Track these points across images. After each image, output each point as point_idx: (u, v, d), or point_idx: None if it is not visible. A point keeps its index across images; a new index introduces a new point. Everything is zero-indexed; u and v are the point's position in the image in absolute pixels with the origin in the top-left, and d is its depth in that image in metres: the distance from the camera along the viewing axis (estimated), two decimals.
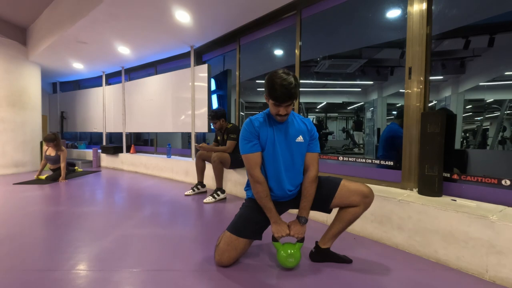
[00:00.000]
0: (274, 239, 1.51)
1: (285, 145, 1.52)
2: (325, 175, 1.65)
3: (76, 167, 5.27)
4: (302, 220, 1.50)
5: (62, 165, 4.21)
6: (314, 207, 1.59)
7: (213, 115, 3.13)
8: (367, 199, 1.49)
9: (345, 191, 1.51)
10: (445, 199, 1.80)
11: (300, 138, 1.52)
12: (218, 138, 3.30)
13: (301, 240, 1.52)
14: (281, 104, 1.40)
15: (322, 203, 1.56)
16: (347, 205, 1.52)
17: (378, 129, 7.61)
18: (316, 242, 1.63)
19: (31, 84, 5.30)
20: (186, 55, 4.46)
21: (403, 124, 2.14)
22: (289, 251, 1.47)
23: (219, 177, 3.03)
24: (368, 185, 2.21)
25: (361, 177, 2.42)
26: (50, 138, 4.16)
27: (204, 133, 4.71)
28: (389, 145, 2.64)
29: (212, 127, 3.27)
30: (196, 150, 4.15)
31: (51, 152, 4.23)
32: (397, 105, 8.00)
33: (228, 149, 3.03)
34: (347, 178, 2.46)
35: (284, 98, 1.37)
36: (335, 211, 1.61)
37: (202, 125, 4.09)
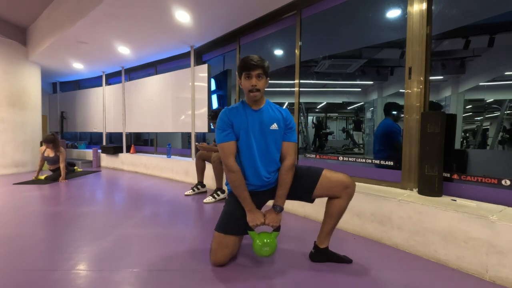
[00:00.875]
0: (250, 228, 1.51)
1: (259, 132, 1.52)
2: (307, 166, 1.64)
3: (76, 167, 5.27)
4: (277, 208, 1.50)
5: (62, 165, 4.20)
6: (297, 197, 1.60)
7: (213, 115, 3.15)
8: (348, 190, 1.49)
9: (326, 182, 1.51)
10: (445, 199, 1.80)
11: (274, 126, 1.53)
12: None
13: (277, 229, 1.53)
14: (251, 73, 1.45)
15: (304, 193, 1.57)
16: (330, 195, 1.53)
17: None
18: (315, 242, 1.63)
19: (31, 84, 5.30)
20: (186, 55, 4.46)
21: (404, 124, 2.14)
22: (264, 240, 1.47)
23: (219, 177, 3.03)
24: (368, 184, 2.22)
25: (361, 177, 2.42)
26: (49, 139, 4.15)
27: (204, 133, 4.72)
28: (385, 140, 2.66)
29: (212, 127, 3.28)
30: (197, 150, 4.15)
31: (49, 153, 4.22)
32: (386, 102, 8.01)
33: None
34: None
35: (253, 63, 1.43)
36: (323, 204, 1.60)
37: (202, 125, 4.09)
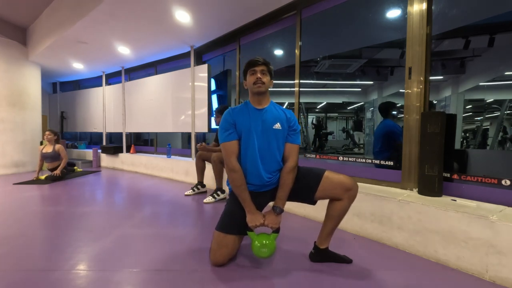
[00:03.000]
0: (249, 229, 1.51)
1: (261, 131, 1.52)
2: (308, 167, 1.64)
3: (75, 167, 5.27)
4: (277, 210, 1.50)
5: (64, 159, 4.30)
6: (299, 199, 1.60)
7: (219, 110, 3.21)
8: (350, 192, 1.48)
9: (328, 184, 1.51)
10: (445, 199, 1.80)
11: (277, 125, 1.53)
12: None
13: (277, 230, 1.52)
14: (256, 69, 1.50)
15: (306, 195, 1.56)
16: (331, 197, 1.52)
17: None
18: (315, 243, 1.63)
19: (31, 84, 5.30)
20: (186, 55, 4.46)
21: (404, 124, 2.14)
22: (263, 241, 1.47)
23: (219, 177, 3.03)
24: (368, 185, 2.22)
25: (361, 177, 2.42)
26: (55, 131, 4.35)
27: (204, 133, 4.71)
28: (386, 141, 2.65)
29: (216, 124, 3.33)
30: (197, 150, 4.15)
31: (48, 149, 4.24)
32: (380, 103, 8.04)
33: None
34: None
35: (258, 60, 1.50)
36: (324, 205, 1.60)
37: (202, 125, 4.09)
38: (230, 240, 1.52)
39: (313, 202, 1.58)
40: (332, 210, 1.53)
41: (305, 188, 1.55)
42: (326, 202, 1.58)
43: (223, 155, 1.54)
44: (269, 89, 1.57)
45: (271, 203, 1.62)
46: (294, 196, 1.57)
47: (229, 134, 1.52)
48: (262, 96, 1.54)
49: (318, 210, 2.24)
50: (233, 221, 1.55)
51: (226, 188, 3.35)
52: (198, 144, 3.21)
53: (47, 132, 4.29)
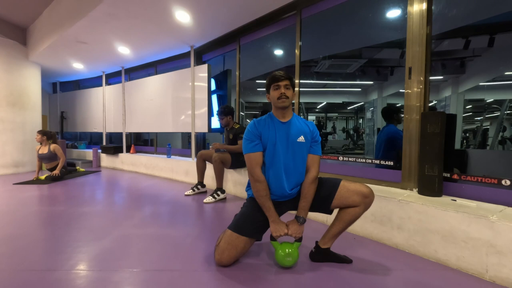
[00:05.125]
0: (272, 238, 1.53)
1: (286, 144, 1.54)
2: (325, 176, 1.66)
3: (78, 167, 5.27)
4: (300, 220, 1.51)
5: (62, 159, 4.28)
6: (315, 208, 1.60)
7: (221, 111, 3.19)
8: (367, 199, 1.49)
9: (345, 192, 1.52)
10: (445, 199, 1.80)
11: (301, 138, 1.55)
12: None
13: (299, 239, 1.53)
14: (280, 83, 1.52)
15: (323, 204, 1.57)
16: (348, 205, 1.52)
17: (378, 129, 7.61)
18: (316, 242, 1.63)
19: (31, 84, 5.30)
20: (186, 55, 4.46)
21: (404, 124, 2.14)
22: (287, 250, 1.48)
23: (219, 177, 3.03)
24: (368, 185, 2.22)
25: (361, 177, 2.42)
26: (43, 131, 4.30)
27: (204, 133, 4.71)
28: (389, 146, 2.62)
29: (220, 124, 3.33)
30: (197, 150, 4.16)
31: (43, 149, 4.24)
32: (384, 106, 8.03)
33: (240, 148, 3.02)
34: (347, 178, 2.47)
35: (281, 75, 1.52)
36: (335, 211, 1.61)
37: (202, 125, 4.09)
38: (241, 242, 1.52)
39: (329, 211, 1.59)
40: (344, 215, 1.53)
41: (323, 198, 1.56)
42: None
43: (247, 165, 1.56)
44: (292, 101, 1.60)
45: (290, 212, 1.62)
46: (312, 206, 1.58)
47: (255, 145, 1.53)
48: (286, 109, 1.56)
49: None
50: (249, 224, 1.55)
51: (226, 188, 3.35)
52: (211, 146, 3.21)
53: (36, 134, 4.29)
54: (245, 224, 1.55)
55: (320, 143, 1.64)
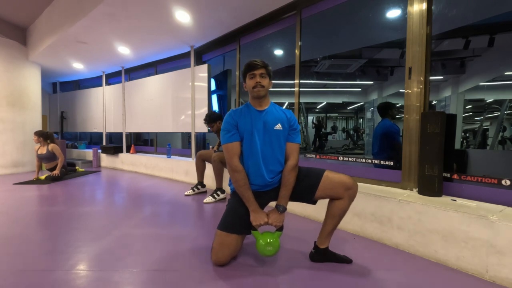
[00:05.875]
0: (253, 228, 1.52)
1: (263, 132, 1.54)
2: (308, 167, 1.65)
3: (77, 167, 5.27)
4: (280, 208, 1.51)
5: (61, 158, 4.26)
6: (299, 198, 1.60)
7: (208, 120, 3.15)
8: (350, 191, 1.49)
9: (328, 183, 1.52)
10: (445, 199, 1.80)
11: (278, 126, 1.55)
12: None
13: (280, 229, 1.54)
14: (255, 72, 1.51)
15: (307, 194, 1.57)
16: (332, 196, 1.53)
17: None
18: (315, 242, 1.63)
19: (31, 84, 5.30)
20: (186, 55, 4.46)
21: (404, 124, 2.14)
22: (268, 239, 1.48)
23: (219, 177, 3.03)
24: (368, 185, 2.22)
25: (361, 177, 2.42)
26: (39, 133, 4.28)
27: (204, 133, 4.71)
28: (384, 141, 2.66)
29: (210, 131, 3.30)
30: (196, 150, 4.15)
31: (42, 150, 4.24)
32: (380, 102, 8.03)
33: None
34: None
35: (257, 64, 1.51)
36: (324, 205, 1.60)
37: (202, 125, 4.08)
38: (232, 239, 1.53)
39: (313, 201, 1.59)
40: (332, 210, 1.54)
41: (306, 188, 1.56)
42: (326, 202, 1.58)
43: (225, 156, 1.55)
44: (270, 89, 1.59)
45: (272, 203, 1.62)
46: (295, 196, 1.58)
47: (231, 135, 1.53)
48: (262, 98, 1.56)
49: (318, 210, 2.24)
50: (236, 221, 1.55)
51: (226, 188, 3.35)
52: (211, 147, 3.21)
53: (35, 138, 4.28)
54: (232, 221, 1.55)
55: (299, 131, 1.64)
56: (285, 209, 1.53)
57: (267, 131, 1.54)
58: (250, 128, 1.53)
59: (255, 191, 1.55)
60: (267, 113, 1.56)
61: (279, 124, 1.55)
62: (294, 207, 2.54)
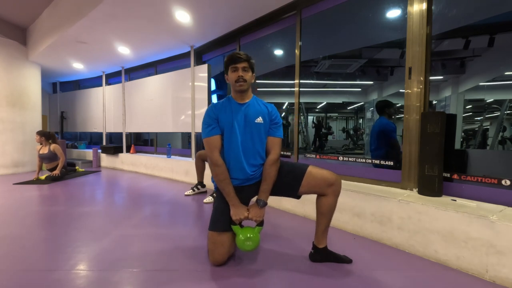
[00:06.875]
0: (233, 223, 1.52)
1: (243, 126, 1.53)
2: (292, 162, 1.65)
3: (77, 167, 5.27)
4: (260, 203, 1.51)
5: (62, 158, 4.27)
6: (283, 193, 1.61)
7: None
8: (333, 187, 1.50)
9: (311, 179, 1.52)
10: (445, 199, 1.80)
11: (259, 119, 1.55)
12: None
13: (261, 223, 1.54)
14: (237, 65, 1.49)
15: (290, 189, 1.58)
16: (316, 192, 1.54)
17: None
18: (313, 243, 1.63)
19: (31, 84, 5.30)
20: (186, 55, 4.46)
21: (404, 124, 2.14)
22: (248, 234, 1.48)
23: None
24: (368, 185, 2.22)
25: (360, 177, 2.42)
26: (41, 132, 4.30)
27: None
28: (381, 139, 2.69)
29: None
30: (196, 150, 4.15)
31: (44, 150, 4.25)
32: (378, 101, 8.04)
33: None
34: (347, 178, 2.47)
35: (239, 56, 1.49)
36: (312, 201, 1.59)
37: None
38: (225, 238, 1.53)
39: (297, 196, 1.60)
40: (320, 207, 1.55)
41: (289, 183, 1.56)
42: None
43: (206, 150, 1.55)
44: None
45: (254, 198, 1.62)
46: (279, 191, 1.59)
47: (212, 129, 1.53)
48: (244, 92, 1.56)
49: None
50: (223, 218, 1.55)
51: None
52: None
53: (37, 137, 4.30)
54: (220, 219, 1.55)
55: (281, 126, 1.63)
56: (266, 203, 1.53)
57: (247, 124, 1.53)
58: (230, 122, 1.53)
59: (237, 186, 1.55)
60: (248, 106, 1.56)
61: (260, 117, 1.55)
62: (294, 207, 2.54)
